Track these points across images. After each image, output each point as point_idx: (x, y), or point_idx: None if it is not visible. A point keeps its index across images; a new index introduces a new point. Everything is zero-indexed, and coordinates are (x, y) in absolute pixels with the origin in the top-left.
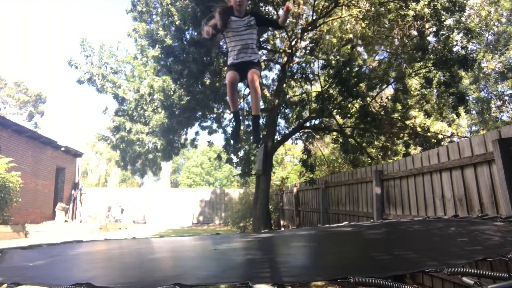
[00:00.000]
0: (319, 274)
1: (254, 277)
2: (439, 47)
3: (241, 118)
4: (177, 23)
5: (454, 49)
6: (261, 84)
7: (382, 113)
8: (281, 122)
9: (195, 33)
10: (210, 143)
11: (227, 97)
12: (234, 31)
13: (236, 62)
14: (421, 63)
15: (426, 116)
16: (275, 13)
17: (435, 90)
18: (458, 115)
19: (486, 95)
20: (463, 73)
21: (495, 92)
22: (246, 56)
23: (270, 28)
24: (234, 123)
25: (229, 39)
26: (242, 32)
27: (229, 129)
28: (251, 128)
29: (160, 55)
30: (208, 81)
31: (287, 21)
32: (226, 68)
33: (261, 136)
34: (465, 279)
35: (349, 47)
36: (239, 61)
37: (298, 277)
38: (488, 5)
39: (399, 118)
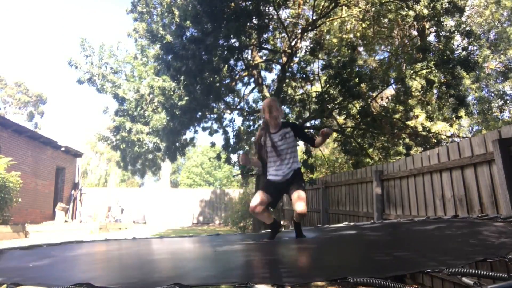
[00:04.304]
0: (318, 275)
1: (254, 278)
2: (440, 47)
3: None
4: (177, 20)
5: (456, 50)
6: (261, 85)
7: (383, 113)
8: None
9: (196, 31)
10: (212, 144)
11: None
12: (270, 146)
13: (273, 179)
14: (422, 64)
15: (428, 119)
16: (275, 13)
17: (435, 91)
18: (458, 117)
19: (487, 94)
20: (464, 74)
21: (496, 92)
22: (284, 174)
23: (304, 141)
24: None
25: (268, 156)
26: (278, 143)
27: (229, 129)
28: (251, 128)
29: (159, 53)
30: (207, 81)
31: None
32: (263, 179)
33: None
34: (464, 279)
35: (350, 48)
36: (277, 179)
37: (298, 278)
38: (489, 4)
39: (400, 118)
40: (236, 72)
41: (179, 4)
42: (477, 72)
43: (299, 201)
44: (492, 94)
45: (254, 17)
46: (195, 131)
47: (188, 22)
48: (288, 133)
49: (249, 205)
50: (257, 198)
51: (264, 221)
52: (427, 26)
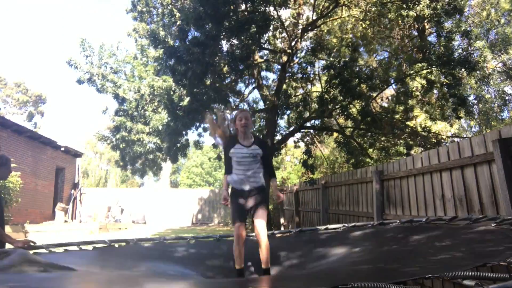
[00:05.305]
0: (320, 282)
1: (254, 286)
2: (441, 48)
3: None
4: (178, 23)
5: (456, 51)
6: (261, 85)
7: (383, 114)
8: (281, 122)
9: (198, 34)
10: (214, 146)
11: (234, 251)
12: (238, 158)
13: (240, 190)
14: (422, 64)
15: (429, 119)
16: (276, 14)
17: (435, 91)
18: (459, 118)
19: (488, 95)
20: (464, 74)
21: (497, 92)
22: (250, 186)
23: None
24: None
25: (233, 163)
26: (247, 161)
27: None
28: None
29: (162, 56)
30: (208, 82)
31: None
32: (231, 191)
33: None
34: (466, 281)
35: (350, 49)
36: (243, 189)
37: (299, 286)
38: (488, 5)
39: (400, 119)
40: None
41: (180, 7)
42: (478, 72)
43: (261, 224)
44: (493, 94)
45: (258, 22)
46: (199, 134)
47: (191, 24)
48: (259, 154)
49: None
50: (237, 230)
51: (236, 258)
52: (427, 27)
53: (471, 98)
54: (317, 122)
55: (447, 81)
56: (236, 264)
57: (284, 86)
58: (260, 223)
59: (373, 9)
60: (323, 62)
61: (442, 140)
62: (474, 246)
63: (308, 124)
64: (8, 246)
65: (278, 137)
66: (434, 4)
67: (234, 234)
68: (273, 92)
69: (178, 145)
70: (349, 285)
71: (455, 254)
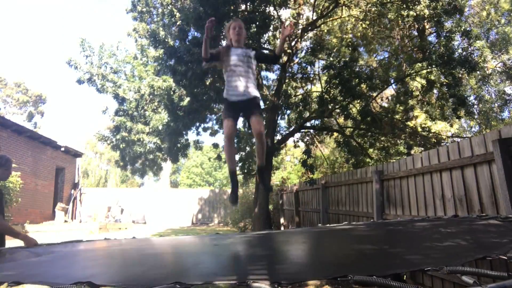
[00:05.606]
0: (318, 273)
1: (254, 276)
2: (441, 48)
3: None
4: (178, 23)
5: (456, 51)
6: (261, 85)
7: (383, 114)
8: (281, 122)
9: (199, 34)
10: (215, 145)
11: (224, 153)
12: (232, 61)
13: (234, 99)
14: (422, 64)
15: (429, 119)
16: (276, 14)
17: (435, 91)
18: (459, 117)
19: (487, 94)
20: (464, 74)
21: (497, 92)
22: (246, 91)
23: (267, 63)
24: (232, 185)
25: (226, 71)
26: (241, 61)
27: None
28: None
29: (162, 56)
30: (208, 82)
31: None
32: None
33: (270, 185)
34: (464, 278)
35: (350, 48)
36: (237, 99)
37: (298, 276)
38: (488, 5)
39: (400, 119)
40: None
41: (180, 7)
42: (478, 72)
43: (259, 124)
44: (493, 94)
45: (258, 22)
46: (198, 133)
47: (191, 25)
48: (251, 57)
49: (248, 205)
50: (228, 126)
51: (228, 160)
52: (427, 26)
53: (471, 98)
54: (317, 122)
55: (447, 81)
56: (228, 165)
57: (284, 86)
58: (256, 117)
59: (373, 9)
60: (323, 62)
61: (442, 140)
62: (475, 237)
63: (308, 124)
64: (7, 244)
65: (278, 137)
66: (434, 4)
67: (224, 131)
68: (273, 92)
69: (179, 145)
70: (348, 277)
71: (457, 244)
